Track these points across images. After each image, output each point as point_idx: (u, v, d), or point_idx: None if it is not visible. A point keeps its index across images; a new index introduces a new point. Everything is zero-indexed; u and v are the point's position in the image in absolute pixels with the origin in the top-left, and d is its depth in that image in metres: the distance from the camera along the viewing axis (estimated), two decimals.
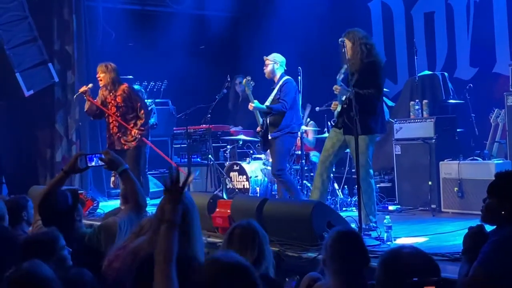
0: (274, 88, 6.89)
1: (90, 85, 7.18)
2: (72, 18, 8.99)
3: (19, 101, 8.85)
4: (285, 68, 6.96)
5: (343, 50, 5.45)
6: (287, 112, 6.76)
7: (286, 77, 6.90)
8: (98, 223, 4.02)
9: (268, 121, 6.82)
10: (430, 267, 2.25)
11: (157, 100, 10.09)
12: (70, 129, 9.00)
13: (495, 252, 3.14)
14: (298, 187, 7.14)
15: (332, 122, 5.93)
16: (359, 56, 5.65)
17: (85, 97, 7.07)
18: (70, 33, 9.01)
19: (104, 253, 3.18)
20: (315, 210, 4.88)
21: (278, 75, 6.90)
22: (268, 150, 7.03)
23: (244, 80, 7.02)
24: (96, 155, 3.74)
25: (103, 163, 3.62)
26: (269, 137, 6.79)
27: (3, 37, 8.50)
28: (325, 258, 2.76)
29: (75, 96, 7.67)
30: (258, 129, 6.89)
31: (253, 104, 6.76)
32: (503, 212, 3.28)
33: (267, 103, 6.84)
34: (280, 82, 6.84)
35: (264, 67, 6.92)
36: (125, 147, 7.03)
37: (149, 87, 10.16)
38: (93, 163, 3.75)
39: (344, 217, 5.44)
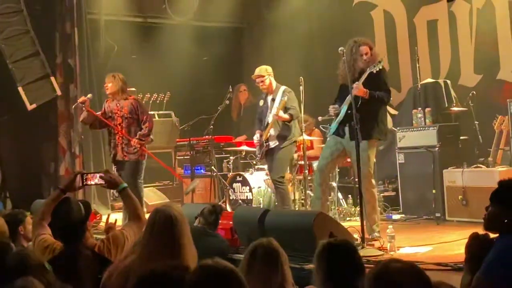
0: (273, 99, 6.86)
1: (90, 96, 7.17)
2: (74, 31, 9.01)
3: (22, 115, 8.84)
4: None
5: (344, 59, 5.43)
6: (292, 121, 6.78)
7: (283, 86, 6.88)
8: (102, 237, 4.06)
9: (274, 132, 6.79)
10: (420, 281, 2.19)
11: (160, 112, 10.10)
12: (73, 143, 8.99)
13: (498, 262, 3.08)
14: (302, 197, 7.13)
15: (323, 128, 5.93)
16: (369, 65, 5.71)
17: (83, 108, 7.05)
18: (72, 46, 9.02)
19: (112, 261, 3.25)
20: (316, 221, 4.83)
21: (274, 86, 6.89)
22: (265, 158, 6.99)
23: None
24: (96, 174, 3.72)
25: (102, 182, 3.65)
26: (276, 145, 6.76)
27: (6, 52, 8.52)
28: (317, 270, 2.70)
29: (73, 106, 7.63)
30: (258, 141, 6.86)
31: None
32: (506, 221, 3.23)
33: (271, 115, 6.81)
34: (280, 92, 6.81)
35: (260, 84, 6.89)
36: (126, 158, 7.00)
37: (152, 98, 10.16)
38: (92, 182, 3.73)
39: (346, 227, 5.37)
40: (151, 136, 7.03)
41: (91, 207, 3.71)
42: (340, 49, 5.42)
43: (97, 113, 7.16)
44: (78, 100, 7.21)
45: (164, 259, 2.75)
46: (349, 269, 2.68)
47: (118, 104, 7.02)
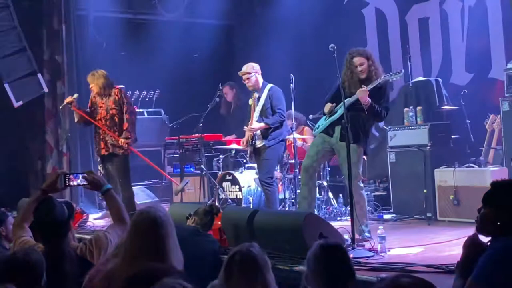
0: (259, 97, 6.78)
1: (76, 95, 7.12)
2: (61, 28, 8.88)
3: (9, 112, 8.72)
4: None
5: (334, 56, 5.35)
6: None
7: (270, 84, 6.81)
8: (88, 237, 4.01)
9: (260, 131, 6.72)
10: None
11: (149, 110, 9.99)
12: (61, 140, 8.87)
13: (490, 265, 3.01)
14: (292, 196, 7.06)
15: (312, 124, 5.87)
16: (379, 71, 5.66)
17: (71, 108, 6.98)
18: (59, 42, 8.90)
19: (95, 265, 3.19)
20: (306, 221, 4.75)
21: (260, 83, 6.80)
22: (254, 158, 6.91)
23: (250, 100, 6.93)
24: (78, 174, 3.65)
25: (85, 183, 3.58)
26: (262, 145, 6.67)
27: None
28: (308, 274, 2.62)
29: (60, 107, 7.53)
30: (245, 143, 6.80)
31: (252, 126, 6.66)
32: (498, 223, 3.16)
33: (256, 113, 6.73)
34: (266, 91, 6.75)
35: (246, 81, 6.81)
36: (117, 151, 6.94)
37: (141, 96, 10.04)
38: (75, 183, 3.64)
39: (337, 227, 5.29)
40: (135, 136, 6.96)
41: (74, 208, 3.65)
42: (330, 46, 5.33)
43: (86, 109, 7.12)
44: (65, 101, 7.13)
45: (148, 262, 2.68)
46: (344, 271, 2.62)
47: (103, 98, 6.99)
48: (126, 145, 6.84)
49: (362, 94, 5.48)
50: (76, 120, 7.19)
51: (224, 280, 2.62)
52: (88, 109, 7.17)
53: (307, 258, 2.67)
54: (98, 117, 7.03)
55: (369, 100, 5.51)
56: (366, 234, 5.52)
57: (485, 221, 3.22)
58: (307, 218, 4.81)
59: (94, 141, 7.32)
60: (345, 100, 5.38)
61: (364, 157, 6.15)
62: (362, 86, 5.57)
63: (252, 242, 2.73)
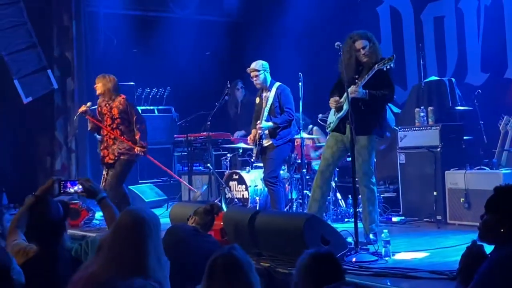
0: (267, 97, 6.66)
1: (89, 104, 6.98)
2: (72, 24, 8.85)
3: (18, 108, 8.73)
4: None
5: (340, 54, 5.21)
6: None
7: (278, 83, 6.69)
8: (93, 234, 3.98)
9: (268, 130, 6.61)
10: None
11: (159, 107, 9.94)
12: (70, 137, 8.85)
13: (492, 274, 2.89)
14: (300, 197, 6.95)
15: (322, 122, 5.72)
16: (378, 57, 5.49)
17: (85, 117, 6.91)
18: (70, 39, 8.88)
19: None
20: (307, 224, 4.62)
21: (268, 82, 6.69)
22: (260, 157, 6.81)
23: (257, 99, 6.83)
24: (75, 181, 3.62)
25: (81, 190, 3.56)
26: (269, 144, 6.57)
27: (1, 43, 8.38)
28: (297, 282, 2.50)
29: (75, 117, 7.50)
30: (251, 140, 6.70)
31: (261, 125, 6.55)
32: (502, 230, 3.03)
33: (265, 112, 6.62)
34: (274, 89, 6.63)
35: (254, 79, 6.70)
36: (121, 157, 6.83)
37: (152, 93, 9.99)
38: (71, 190, 3.61)
39: (340, 230, 5.16)
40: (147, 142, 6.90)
41: (69, 208, 3.58)
42: (336, 44, 5.21)
43: (95, 109, 7.03)
44: (79, 110, 7.02)
45: (128, 265, 2.61)
46: (334, 282, 2.49)
47: (107, 105, 6.85)
48: (143, 153, 6.75)
49: (354, 94, 5.33)
50: (89, 128, 7.07)
51: (206, 284, 2.52)
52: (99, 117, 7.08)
53: (296, 267, 2.55)
54: (104, 124, 6.89)
55: (365, 91, 5.35)
56: (372, 236, 5.37)
57: (488, 228, 3.10)
58: (309, 221, 4.69)
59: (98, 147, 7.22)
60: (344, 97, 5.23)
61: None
62: (356, 77, 5.42)
63: (234, 244, 2.63)
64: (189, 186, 8.21)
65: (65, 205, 3.53)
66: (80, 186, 3.55)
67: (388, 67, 5.38)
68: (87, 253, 3.32)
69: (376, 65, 5.38)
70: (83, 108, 6.91)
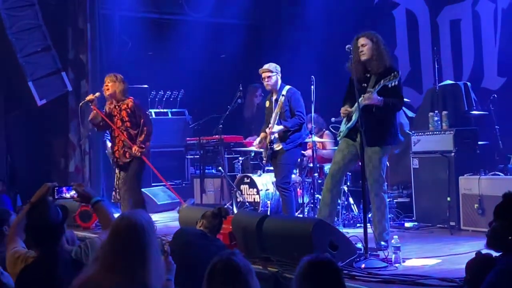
0: (277, 100, 6.60)
1: (97, 94, 6.92)
2: (86, 27, 8.88)
3: (33, 110, 8.77)
4: None
5: (350, 57, 5.16)
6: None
7: (288, 86, 6.64)
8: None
9: (278, 134, 6.56)
10: None
11: (173, 110, 9.93)
12: (83, 139, 8.87)
13: (499, 283, 2.81)
14: (311, 201, 6.88)
15: (333, 129, 5.65)
16: (384, 58, 5.40)
17: (91, 106, 6.84)
18: (84, 42, 8.91)
19: None
20: (315, 229, 4.56)
21: (279, 85, 6.64)
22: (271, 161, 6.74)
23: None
24: (69, 187, 3.65)
25: (75, 195, 3.59)
26: (280, 148, 6.51)
27: (16, 46, 8.43)
28: None
29: (80, 104, 7.31)
30: (259, 144, 6.64)
31: (273, 129, 6.50)
32: (510, 238, 2.96)
33: (276, 115, 6.56)
34: (284, 92, 6.57)
35: (266, 80, 6.64)
36: (130, 159, 6.80)
37: (166, 96, 9.99)
38: (67, 195, 3.64)
39: (350, 236, 5.10)
40: (149, 145, 6.82)
41: (68, 211, 3.56)
42: (347, 46, 5.16)
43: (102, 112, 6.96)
44: (86, 98, 6.98)
45: (125, 270, 2.59)
46: None
47: (117, 107, 6.81)
48: (139, 154, 6.67)
49: (369, 101, 5.25)
50: (90, 117, 6.94)
51: None
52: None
53: (295, 276, 2.50)
54: (114, 126, 6.87)
55: (380, 98, 5.27)
56: (383, 243, 5.29)
57: (496, 236, 3.03)
58: (317, 226, 4.63)
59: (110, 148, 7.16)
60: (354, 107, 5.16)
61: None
62: (366, 74, 5.33)
63: (234, 250, 2.59)
64: (178, 196, 7.91)
65: (64, 208, 3.54)
66: (75, 192, 3.58)
67: (393, 84, 5.28)
68: (87, 254, 3.32)
69: (382, 81, 5.29)
70: (91, 96, 6.85)
